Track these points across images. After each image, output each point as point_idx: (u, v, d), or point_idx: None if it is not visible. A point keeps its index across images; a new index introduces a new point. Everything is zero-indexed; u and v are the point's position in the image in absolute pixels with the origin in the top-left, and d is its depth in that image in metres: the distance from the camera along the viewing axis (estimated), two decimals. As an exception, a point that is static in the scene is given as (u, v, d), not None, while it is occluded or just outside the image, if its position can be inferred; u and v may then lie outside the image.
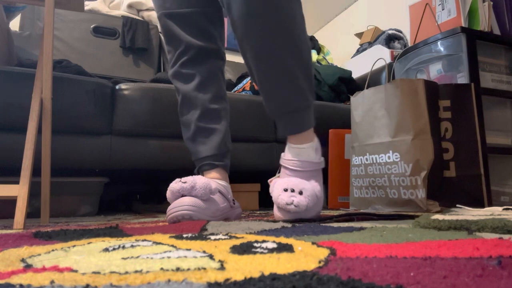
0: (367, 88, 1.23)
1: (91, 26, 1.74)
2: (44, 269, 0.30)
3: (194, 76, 0.94)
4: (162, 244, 0.43)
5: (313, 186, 0.75)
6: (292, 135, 0.82)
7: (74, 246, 0.43)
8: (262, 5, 0.73)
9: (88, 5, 1.85)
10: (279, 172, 0.85)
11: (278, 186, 0.76)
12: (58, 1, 1.02)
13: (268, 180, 0.85)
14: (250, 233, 0.54)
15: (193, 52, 0.93)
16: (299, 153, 0.80)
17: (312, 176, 0.79)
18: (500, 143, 1.33)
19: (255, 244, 0.41)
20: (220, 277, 0.26)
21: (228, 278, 0.26)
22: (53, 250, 0.40)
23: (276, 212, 0.78)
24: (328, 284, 0.24)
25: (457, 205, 1.06)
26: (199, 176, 0.79)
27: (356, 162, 1.23)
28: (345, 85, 1.87)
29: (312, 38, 2.44)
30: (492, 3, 1.49)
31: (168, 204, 0.76)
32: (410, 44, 1.80)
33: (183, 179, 0.77)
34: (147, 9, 1.97)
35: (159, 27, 1.94)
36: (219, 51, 0.98)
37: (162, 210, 1.44)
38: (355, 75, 1.97)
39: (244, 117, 1.44)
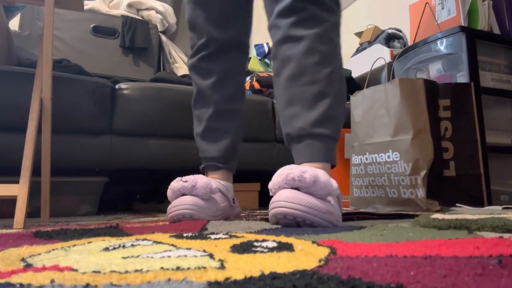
0: (367, 87, 1.23)
1: (91, 26, 1.73)
2: (44, 268, 0.30)
3: (212, 72, 0.90)
4: (162, 243, 0.43)
5: (315, 170, 0.61)
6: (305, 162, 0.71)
7: (74, 245, 0.43)
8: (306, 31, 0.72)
9: (87, 5, 1.85)
10: None
11: (274, 176, 0.63)
12: (57, 0, 1.02)
13: None
14: (250, 232, 0.54)
15: (215, 47, 0.89)
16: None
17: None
18: (500, 142, 1.33)
19: (255, 243, 0.41)
20: (220, 276, 0.26)
21: (228, 277, 0.26)
22: (53, 250, 0.40)
23: (275, 200, 0.60)
24: (328, 283, 0.24)
25: (457, 204, 1.06)
26: (200, 176, 0.78)
27: (356, 161, 1.23)
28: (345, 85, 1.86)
29: (312, 38, 2.43)
30: (492, 2, 1.49)
31: (169, 203, 0.76)
32: (410, 43, 1.79)
33: (184, 178, 0.76)
34: (147, 9, 1.97)
35: (158, 26, 1.94)
36: (243, 44, 0.93)
37: (162, 210, 1.44)
38: (354, 75, 1.97)
39: (244, 116, 1.43)
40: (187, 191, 0.75)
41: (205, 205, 0.75)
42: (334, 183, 0.61)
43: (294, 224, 0.59)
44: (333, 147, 0.75)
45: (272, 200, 0.61)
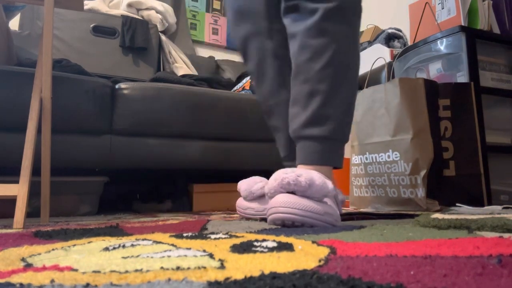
0: (366, 87, 1.23)
1: (91, 26, 1.73)
2: (44, 268, 0.30)
3: (251, 73, 0.90)
4: (162, 243, 0.43)
5: (310, 173, 0.61)
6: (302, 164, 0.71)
7: (74, 245, 0.43)
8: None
9: (87, 5, 1.85)
10: None
11: (270, 180, 0.64)
12: (57, 0, 1.02)
13: None
14: (250, 232, 0.54)
15: (241, 39, 0.87)
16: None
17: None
18: (499, 142, 1.33)
19: (255, 243, 0.41)
20: (220, 276, 0.26)
21: (228, 277, 0.26)
22: (53, 249, 0.40)
23: (273, 204, 0.61)
24: (328, 283, 0.24)
25: (457, 204, 1.06)
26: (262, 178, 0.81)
27: (356, 161, 1.23)
28: (345, 84, 1.85)
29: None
30: (491, 2, 1.49)
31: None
32: (410, 43, 1.79)
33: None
34: (147, 8, 1.97)
35: (158, 26, 1.94)
36: (265, 30, 0.84)
37: (162, 210, 1.44)
38: (354, 74, 1.96)
39: (244, 116, 1.44)
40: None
41: (251, 206, 0.78)
42: (330, 185, 0.61)
43: (294, 227, 0.60)
44: (332, 148, 0.72)
45: (269, 205, 0.61)
